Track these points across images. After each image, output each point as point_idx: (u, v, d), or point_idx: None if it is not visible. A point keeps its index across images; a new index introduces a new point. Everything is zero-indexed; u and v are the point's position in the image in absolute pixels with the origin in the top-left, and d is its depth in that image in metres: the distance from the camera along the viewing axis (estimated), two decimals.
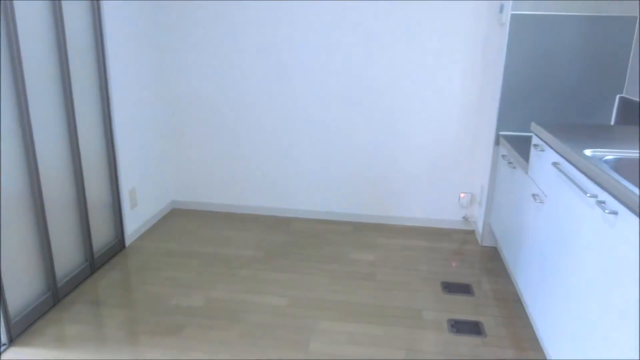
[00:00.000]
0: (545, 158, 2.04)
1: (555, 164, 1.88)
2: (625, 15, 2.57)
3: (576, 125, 2.16)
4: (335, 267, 2.80)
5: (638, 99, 2.54)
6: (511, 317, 2.36)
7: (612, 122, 2.73)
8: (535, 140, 2.18)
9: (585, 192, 1.58)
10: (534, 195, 2.12)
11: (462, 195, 3.22)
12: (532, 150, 2.20)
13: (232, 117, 3.30)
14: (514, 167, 2.50)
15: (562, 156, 1.84)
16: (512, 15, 2.64)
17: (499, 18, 2.87)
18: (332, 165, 3.30)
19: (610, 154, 1.73)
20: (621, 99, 2.67)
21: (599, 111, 2.73)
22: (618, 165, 1.69)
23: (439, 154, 3.18)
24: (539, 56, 2.70)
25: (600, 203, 1.49)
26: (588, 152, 1.75)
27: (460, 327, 2.28)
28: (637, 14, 2.56)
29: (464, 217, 3.26)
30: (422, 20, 2.95)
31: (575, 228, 1.69)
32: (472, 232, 3.25)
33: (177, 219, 3.43)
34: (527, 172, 2.29)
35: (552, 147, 1.96)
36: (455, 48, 2.98)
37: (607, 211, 1.43)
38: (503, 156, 2.70)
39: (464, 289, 2.59)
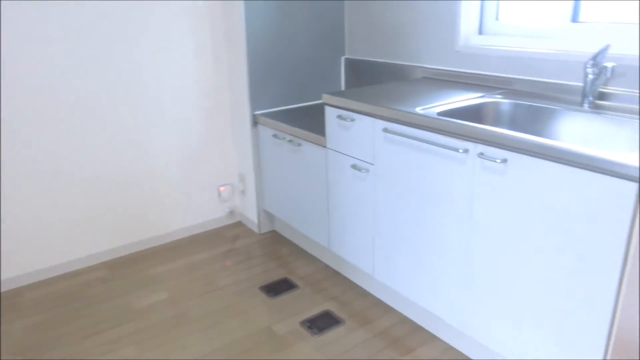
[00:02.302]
0: (360, 127, 2.00)
1: (386, 130, 1.86)
2: None
3: (362, 89, 2.19)
4: (130, 327, 2.12)
5: (359, 57, 2.78)
6: (345, 292, 2.32)
7: (343, 82, 2.92)
8: (335, 112, 2.10)
9: (456, 149, 1.61)
10: (353, 166, 2.07)
11: (221, 189, 2.91)
12: (334, 122, 2.12)
13: None
14: (299, 145, 2.38)
15: (397, 121, 1.82)
16: None
17: None
18: (57, 202, 2.43)
19: (434, 108, 1.81)
20: (346, 59, 2.87)
21: (332, 74, 2.86)
22: (451, 116, 1.80)
23: (188, 153, 2.75)
24: (277, 29, 2.59)
25: (480, 155, 1.56)
26: (420, 110, 1.79)
27: (318, 324, 2.10)
28: None
29: (229, 211, 2.98)
30: (140, 12, 2.39)
31: (440, 185, 1.72)
32: (240, 224, 3.01)
33: None
34: (326, 146, 2.21)
35: (371, 115, 1.92)
36: (181, 34, 2.54)
37: (498, 160, 1.50)
38: (274, 136, 2.53)
39: (285, 285, 2.39)
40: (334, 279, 2.44)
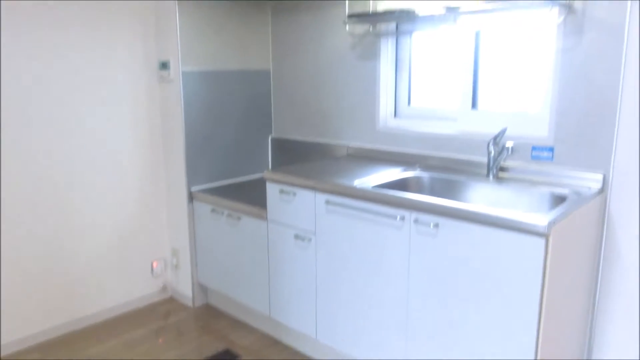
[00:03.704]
0: (301, 200, 2.20)
1: (328, 202, 2.09)
2: (262, 69, 3.00)
3: (298, 166, 2.41)
4: None
5: (285, 137, 3.04)
6: (288, 359, 2.42)
7: (270, 160, 3.14)
8: (277, 187, 2.29)
9: (394, 217, 1.87)
10: (296, 236, 2.25)
11: (155, 264, 2.91)
12: (276, 196, 2.30)
13: None
14: (238, 219, 2.52)
15: (339, 194, 2.05)
16: (183, 73, 2.62)
17: (161, 74, 2.74)
18: None
19: (368, 182, 2.08)
20: (272, 139, 3.11)
21: (260, 152, 3.08)
22: (384, 188, 2.07)
23: (121, 228, 2.75)
24: (211, 109, 2.79)
25: (416, 221, 1.83)
26: (357, 183, 2.05)
27: None
28: (270, 68, 3.04)
29: (162, 286, 2.96)
30: (78, 86, 2.46)
31: (380, 249, 1.96)
32: (172, 299, 3.00)
33: None
34: (266, 219, 2.38)
35: (313, 189, 2.14)
36: (118, 109, 2.63)
37: (431, 225, 1.78)
38: (212, 210, 2.65)
39: (228, 356, 2.43)
40: (275, 347, 2.53)
